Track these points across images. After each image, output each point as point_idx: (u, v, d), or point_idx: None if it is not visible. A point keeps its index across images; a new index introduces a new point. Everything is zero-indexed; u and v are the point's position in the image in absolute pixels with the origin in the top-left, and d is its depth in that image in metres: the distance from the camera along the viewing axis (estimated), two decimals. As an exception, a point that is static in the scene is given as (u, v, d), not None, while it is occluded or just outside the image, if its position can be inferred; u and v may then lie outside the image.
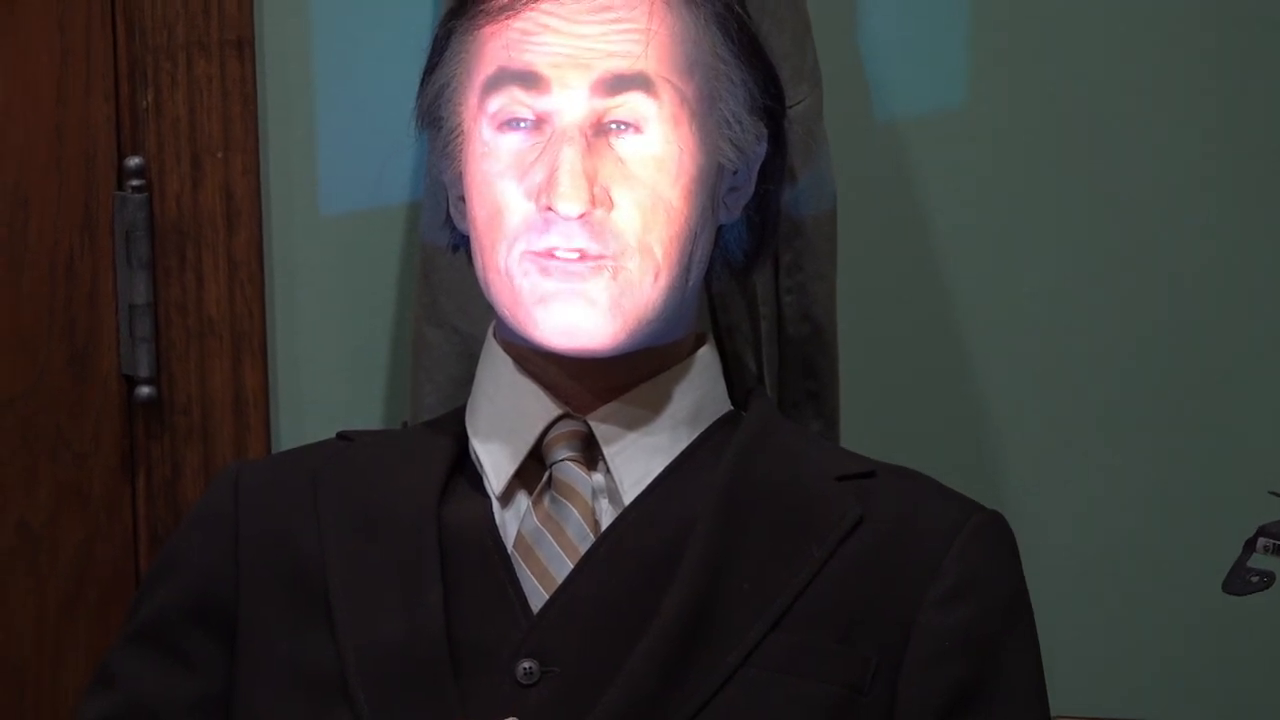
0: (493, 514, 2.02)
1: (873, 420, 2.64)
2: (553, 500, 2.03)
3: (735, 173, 2.07)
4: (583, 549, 1.98)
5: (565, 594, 1.96)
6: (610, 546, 1.98)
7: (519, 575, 1.97)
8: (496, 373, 2.11)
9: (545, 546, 2.00)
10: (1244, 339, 3.08)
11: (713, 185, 2.05)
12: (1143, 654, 2.85)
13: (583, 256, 1.96)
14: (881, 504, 2.03)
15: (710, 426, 2.09)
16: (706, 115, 2.03)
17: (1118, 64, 3.03)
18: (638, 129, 1.98)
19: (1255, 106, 3.09)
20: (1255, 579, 2.23)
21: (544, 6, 2.00)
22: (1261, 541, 2.23)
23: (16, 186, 2.33)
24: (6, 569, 2.38)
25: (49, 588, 2.31)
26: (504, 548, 1.99)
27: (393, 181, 2.47)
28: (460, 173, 2.06)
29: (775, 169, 2.14)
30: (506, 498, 2.04)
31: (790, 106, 2.21)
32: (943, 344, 2.87)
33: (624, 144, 1.99)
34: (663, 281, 2.00)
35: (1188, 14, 3.08)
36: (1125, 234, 3.01)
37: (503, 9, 2.01)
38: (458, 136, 2.06)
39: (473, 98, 2.03)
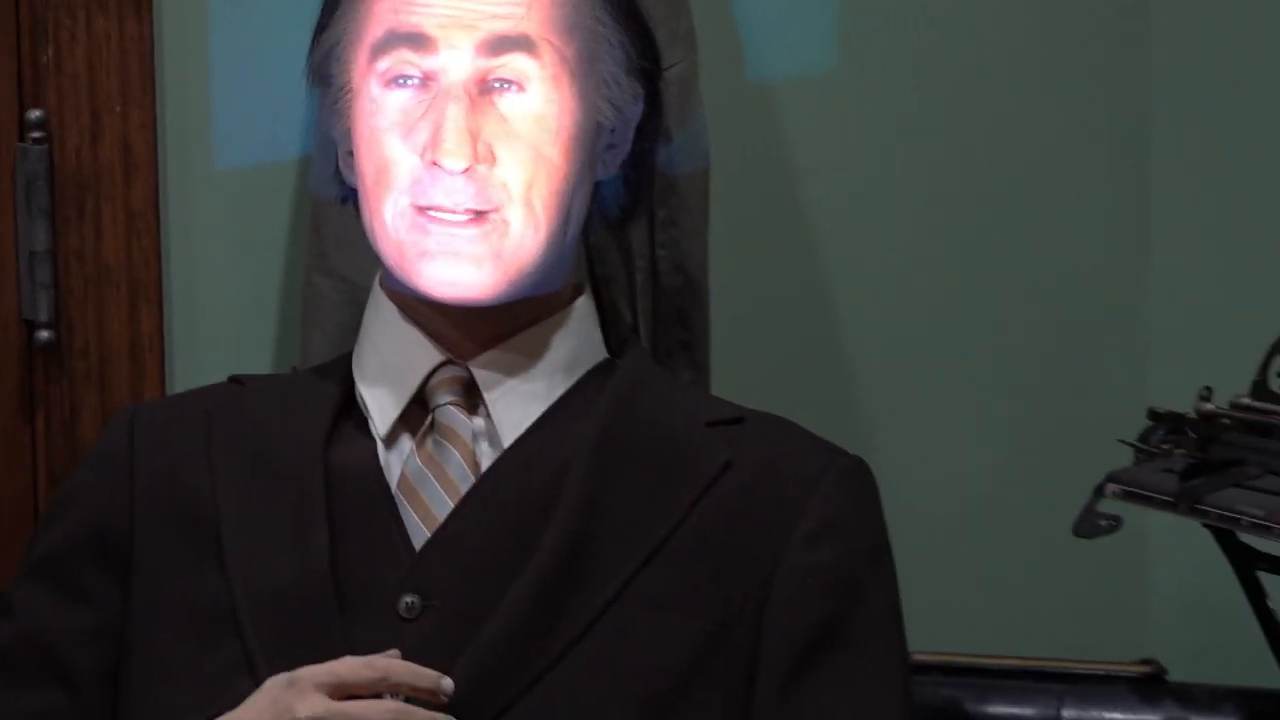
0: (378, 456, 2.06)
1: (742, 369, 2.68)
2: (435, 443, 2.07)
3: (613, 131, 2.11)
4: (464, 489, 2.02)
5: (446, 532, 2.00)
6: (490, 487, 2.03)
7: (403, 514, 2.02)
8: (382, 320, 2.14)
9: (428, 487, 2.04)
10: (1092, 301, 3.18)
11: (591, 142, 2.09)
12: (998, 595, 2.92)
13: (468, 215, 2.00)
14: (749, 449, 2.06)
15: (586, 374, 2.14)
16: (586, 75, 2.06)
17: (983, 29, 3.04)
18: (520, 87, 2.03)
19: (1103, 76, 3.14)
20: (1104, 522, 2.26)
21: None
22: (1110, 487, 2.27)
23: None
24: None
25: None
26: (388, 488, 2.03)
27: (284, 137, 2.49)
28: (349, 128, 2.09)
29: (651, 128, 2.18)
30: (391, 440, 2.08)
31: (666, 68, 2.24)
32: (812, 299, 2.92)
33: (506, 102, 2.03)
34: (542, 234, 2.04)
35: None
36: (989, 197, 3.10)
37: None
38: (347, 93, 2.09)
39: (361, 56, 2.06)
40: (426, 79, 2.03)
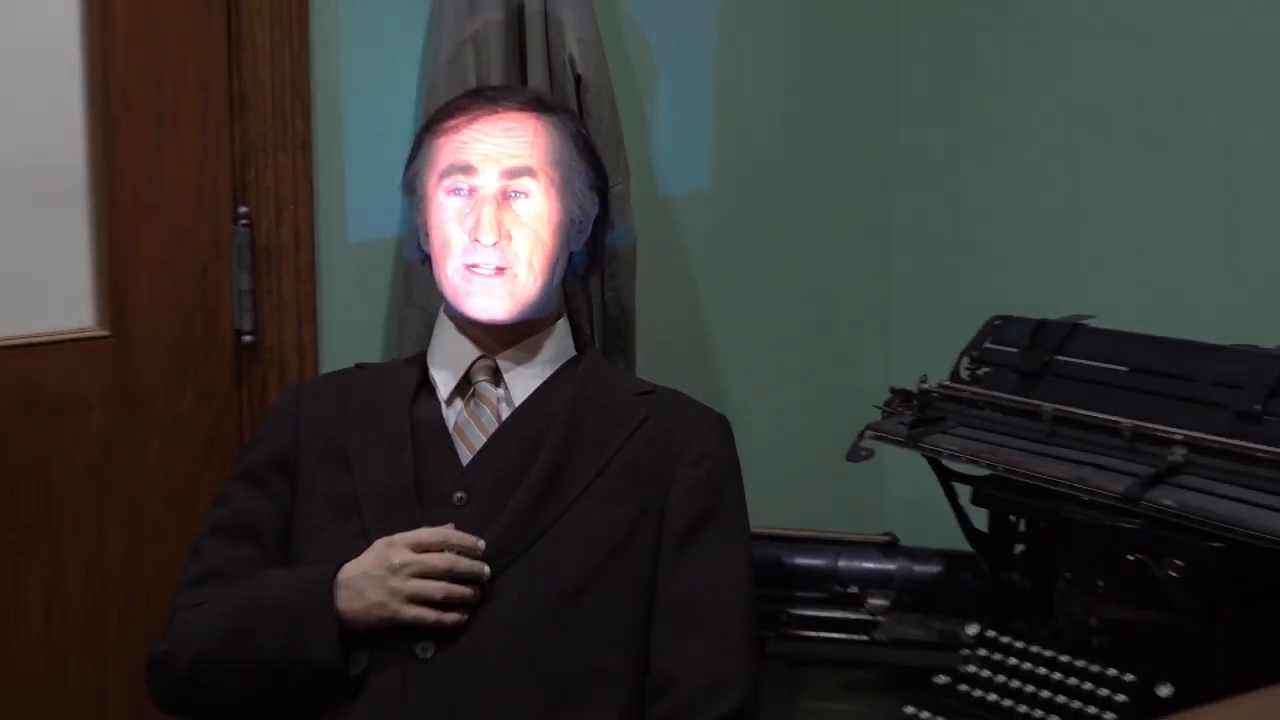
0: (441, 411, 2.11)
1: (653, 363, 2.61)
2: (475, 403, 2.13)
3: (580, 223, 2.17)
4: (491, 431, 2.09)
5: (480, 456, 2.05)
6: (506, 429, 2.09)
7: (455, 445, 2.07)
8: (445, 332, 2.17)
9: (470, 429, 2.09)
10: (860, 316, 3.12)
11: (568, 229, 2.14)
12: (802, 496, 2.89)
13: (495, 270, 2.04)
14: (658, 409, 2.14)
15: (564, 364, 2.18)
16: (565, 191, 2.11)
17: (778, 115, 2.99)
18: (526, 196, 2.08)
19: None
20: (864, 453, 2.31)
21: (474, 128, 2.07)
22: (868, 433, 2.30)
23: (179, 225, 2.31)
24: (175, 440, 2.36)
25: (194, 451, 2.37)
26: (447, 430, 2.10)
27: (388, 223, 2.48)
28: (425, 220, 2.13)
29: (603, 222, 2.25)
30: (449, 402, 2.13)
31: (612, 187, 2.31)
32: (696, 324, 2.88)
33: (518, 204, 2.07)
34: (539, 283, 2.09)
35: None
36: (785, 239, 3.03)
37: (451, 129, 2.08)
38: (424, 199, 2.13)
39: (433, 178, 2.10)
40: (471, 190, 2.07)
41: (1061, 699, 2.01)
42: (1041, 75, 2.83)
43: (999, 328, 2.36)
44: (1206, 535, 1.88)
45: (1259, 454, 1.91)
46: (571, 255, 2.19)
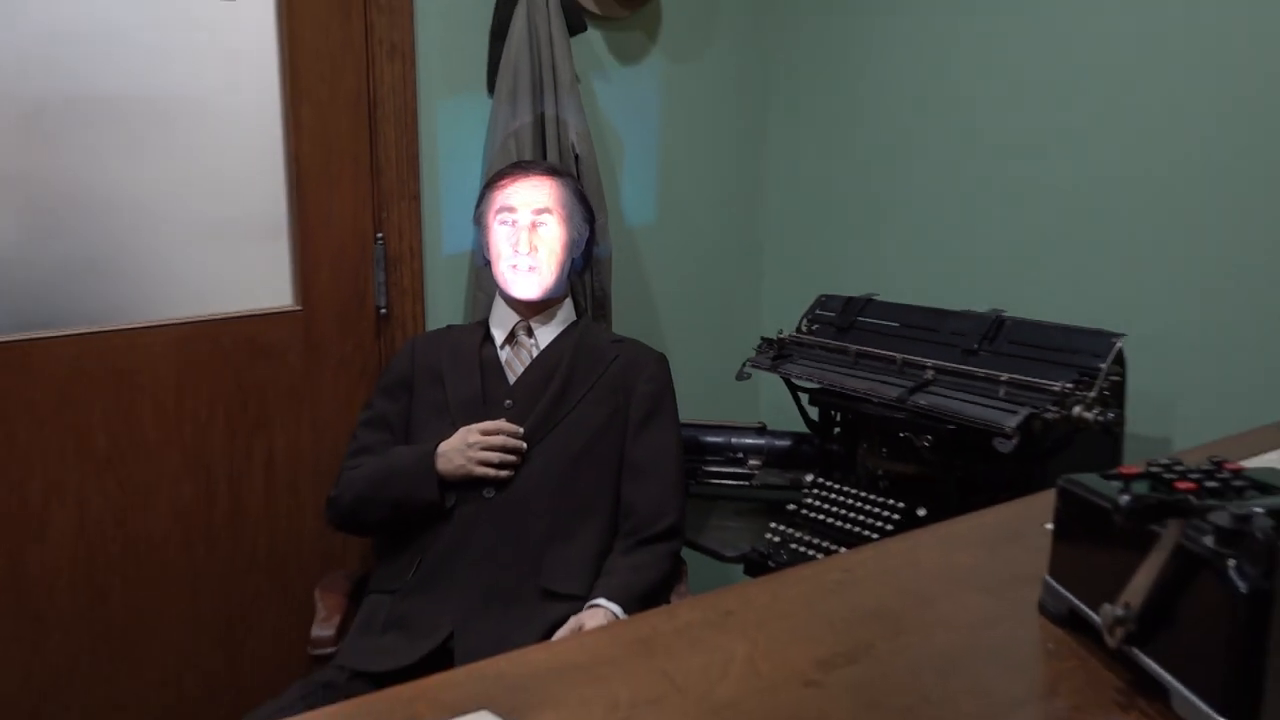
0: (496, 352, 2.09)
1: (622, 324, 2.59)
2: (516, 348, 2.10)
3: (579, 241, 2.14)
4: (526, 364, 2.08)
5: (520, 380, 2.06)
6: (535, 364, 2.08)
7: (505, 373, 2.06)
8: (499, 306, 2.14)
9: (514, 363, 2.09)
10: (758, 285, 3.00)
11: (572, 245, 2.11)
12: (711, 401, 2.78)
13: (529, 269, 2.03)
14: (625, 351, 2.13)
15: (569, 325, 2.15)
16: (569, 221, 2.10)
17: (694, 132, 2.88)
18: (546, 225, 2.08)
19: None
20: (746, 375, 2.30)
21: (515, 185, 2.07)
22: (747, 364, 2.31)
23: (342, 244, 2.29)
24: (340, 372, 2.33)
25: (351, 378, 2.33)
26: (500, 363, 2.09)
27: (464, 240, 2.42)
28: (486, 240, 2.12)
29: (591, 240, 2.21)
30: (501, 347, 2.11)
31: (596, 220, 2.27)
32: (646, 301, 2.80)
33: (541, 230, 2.08)
34: (554, 277, 2.08)
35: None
36: (688, 198, 2.91)
37: (501, 185, 2.08)
38: (485, 228, 2.11)
39: (491, 215, 2.09)
40: (514, 222, 2.06)
41: (862, 517, 2.10)
42: (870, 100, 2.65)
43: (824, 300, 2.41)
44: (944, 421, 1.95)
45: (975, 374, 1.99)
46: (573, 261, 2.15)
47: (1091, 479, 0.85)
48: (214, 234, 2.18)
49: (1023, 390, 1.88)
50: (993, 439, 1.83)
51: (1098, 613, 0.81)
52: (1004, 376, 1.92)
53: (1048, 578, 0.92)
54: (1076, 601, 0.87)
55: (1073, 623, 0.89)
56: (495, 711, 0.77)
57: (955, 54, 2.45)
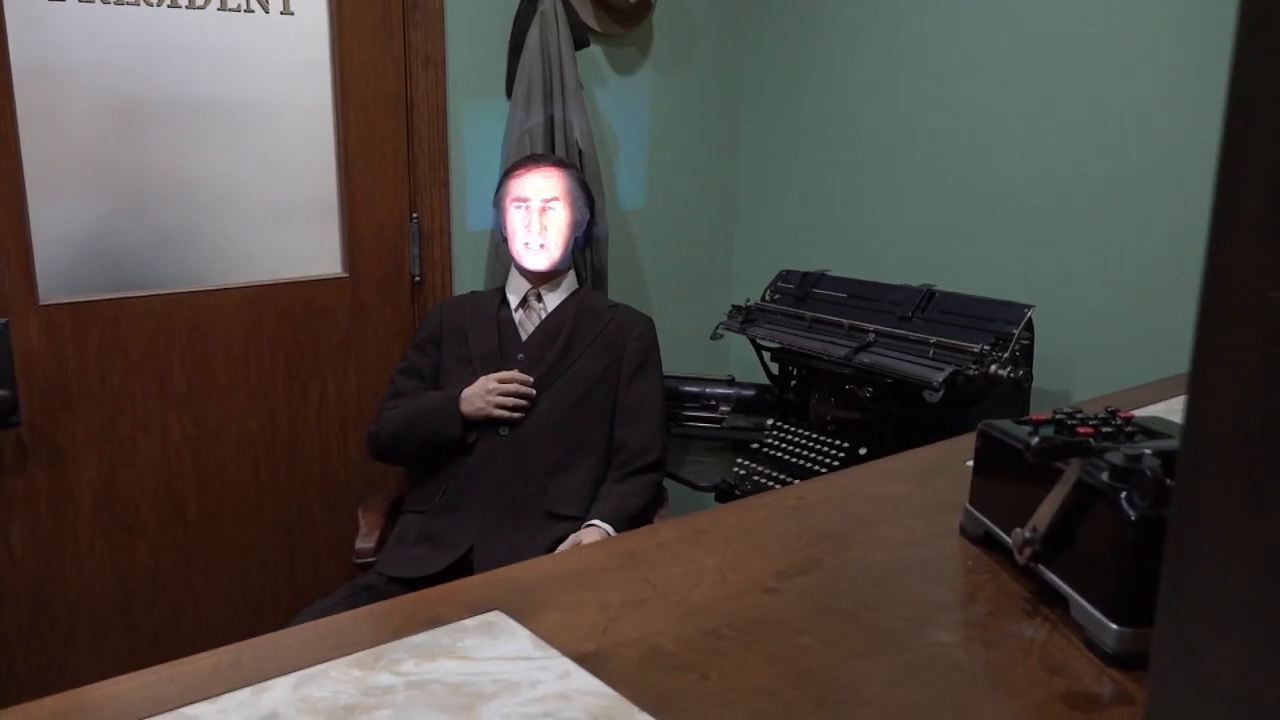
0: (512, 314, 2.05)
1: (617, 292, 2.51)
2: (528, 311, 2.06)
3: (581, 223, 2.09)
4: (536, 325, 2.03)
5: (531, 337, 2.01)
6: (544, 324, 2.03)
7: (519, 331, 2.02)
8: (514, 276, 2.09)
9: (526, 324, 2.05)
10: (729, 259, 2.91)
11: (575, 225, 2.06)
12: (690, 356, 2.74)
13: (539, 246, 2.00)
14: (619, 314, 2.07)
15: (572, 292, 2.10)
16: (573, 206, 2.05)
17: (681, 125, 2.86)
18: (554, 209, 2.01)
19: None
20: (719, 336, 2.29)
21: (528, 175, 2.03)
22: (720, 327, 2.26)
23: (383, 222, 2.26)
24: (381, 329, 2.30)
25: (390, 334, 2.30)
26: (515, 323, 2.03)
27: (485, 218, 2.35)
28: (504, 221, 2.07)
29: (592, 222, 2.16)
30: (515, 310, 2.06)
31: (596, 205, 2.21)
32: (637, 274, 2.71)
33: (550, 214, 2.02)
34: (560, 252, 2.03)
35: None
36: (671, 180, 2.90)
37: (517, 175, 2.04)
38: (503, 210, 2.07)
39: (508, 200, 2.05)
40: (526, 207, 2.02)
41: (813, 455, 2.10)
42: (826, 106, 2.60)
43: (785, 274, 2.40)
44: (883, 376, 1.95)
45: (909, 337, 1.98)
46: (577, 239, 2.11)
47: (1006, 424, 0.84)
48: (276, 213, 2.18)
49: (948, 351, 1.88)
50: (923, 391, 1.83)
51: (1009, 535, 0.81)
52: (933, 339, 1.91)
53: (968, 505, 0.91)
54: (992, 525, 0.86)
55: (988, 543, 0.89)
56: (506, 611, 0.78)
57: (896, 67, 2.44)
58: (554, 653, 0.71)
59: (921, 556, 0.89)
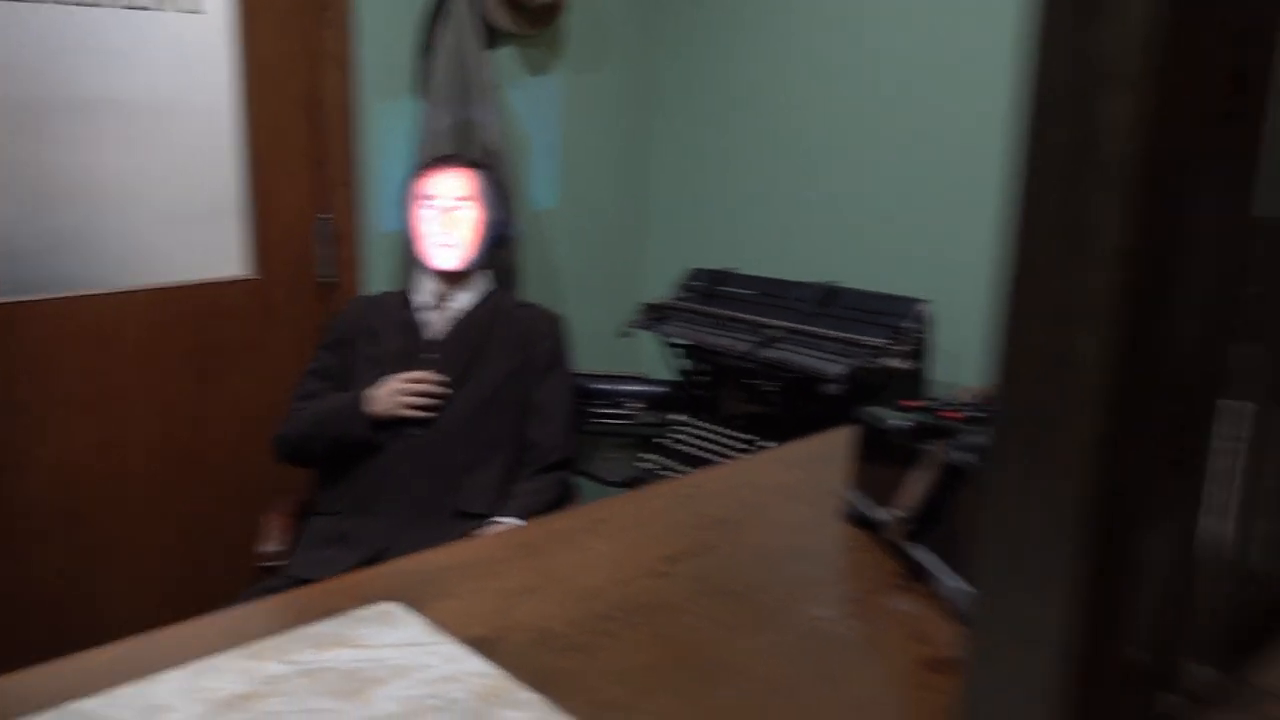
0: (423, 314, 2.03)
1: (530, 290, 2.47)
2: (439, 310, 2.05)
3: (495, 223, 2.07)
4: (445, 325, 2.01)
5: (445, 338, 1.99)
6: (456, 323, 2.02)
7: (430, 331, 2.00)
8: (426, 277, 2.06)
9: (438, 324, 2.02)
10: (642, 258, 2.97)
11: (487, 225, 2.05)
12: (601, 353, 2.71)
13: (448, 246, 1.98)
14: (531, 313, 2.08)
15: (484, 292, 2.08)
16: (484, 205, 2.03)
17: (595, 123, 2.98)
18: (464, 209, 2.00)
19: None
20: (627, 334, 2.29)
21: (438, 175, 2.02)
22: (632, 323, 2.31)
23: (291, 223, 2.24)
24: (289, 330, 2.28)
25: (298, 336, 2.27)
26: (426, 324, 2.01)
27: (396, 218, 2.32)
28: (413, 221, 2.05)
29: (504, 222, 2.14)
30: (427, 310, 2.03)
31: (510, 204, 2.22)
32: (550, 272, 2.71)
33: (462, 212, 2.01)
34: (473, 252, 2.02)
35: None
36: (589, 174, 2.95)
37: (427, 175, 2.03)
38: (411, 209, 2.05)
39: (417, 199, 2.03)
40: (435, 207, 2.01)
41: (719, 448, 2.14)
42: (732, 107, 2.63)
43: (694, 272, 2.44)
44: (787, 371, 2.00)
45: (812, 332, 2.03)
46: (490, 239, 2.10)
47: (880, 410, 0.89)
48: (181, 214, 2.16)
49: (848, 345, 1.94)
50: (823, 385, 1.88)
51: (883, 515, 0.86)
52: (834, 335, 1.97)
53: (848, 489, 0.96)
54: (868, 507, 0.91)
55: (866, 523, 0.93)
56: (402, 601, 0.80)
57: (795, 67, 2.50)
58: (447, 638, 0.73)
59: (807, 540, 0.94)
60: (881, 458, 0.88)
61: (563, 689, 0.67)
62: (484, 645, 0.73)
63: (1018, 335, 0.38)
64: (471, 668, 0.69)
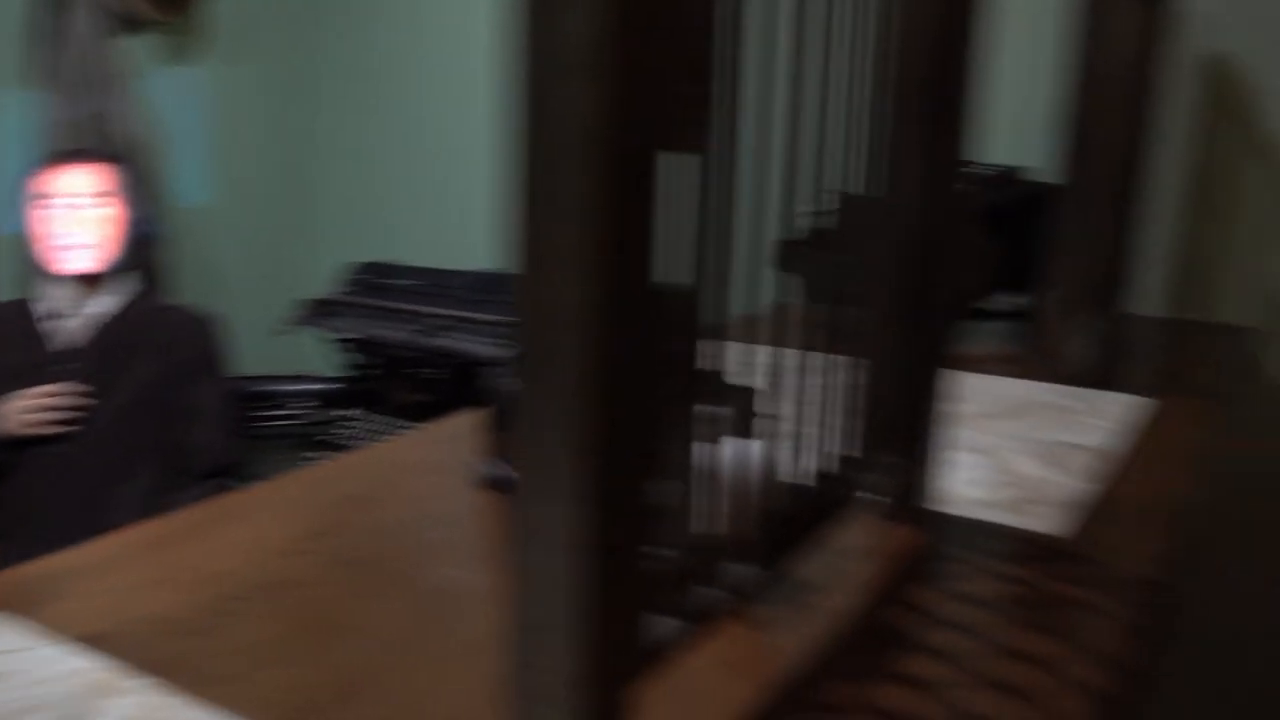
0: (49, 324, 1.90)
1: (187, 292, 2.41)
2: (67, 318, 1.92)
3: (138, 221, 1.97)
4: (81, 332, 1.90)
5: (75, 346, 1.89)
6: (92, 330, 1.91)
7: (57, 342, 1.89)
8: (50, 283, 1.90)
9: (69, 332, 1.91)
10: (313, 254, 2.93)
11: (121, 224, 1.93)
12: (271, 356, 2.57)
13: (70, 248, 1.88)
14: (179, 315, 2.01)
15: (123, 296, 1.94)
16: (117, 202, 1.94)
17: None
18: (90, 207, 1.90)
19: None
20: (282, 331, 2.27)
21: (59, 172, 1.91)
22: (287, 319, 2.29)
23: None
24: None
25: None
26: (52, 334, 1.89)
27: (14, 222, 2.20)
28: (32, 223, 1.92)
29: (144, 220, 2.02)
30: (53, 319, 1.90)
31: (153, 201, 2.14)
32: (202, 272, 2.57)
33: (85, 212, 1.89)
34: (103, 253, 1.92)
35: None
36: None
37: (46, 173, 1.92)
38: (31, 212, 1.92)
39: (36, 199, 1.91)
40: (55, 206, 1.89)
41: (390, 439, 2.14)
42: (383, 101, 2.69)
43: (359, 267, 2.46)
44: (454, 358, 2.06)
45: (478, 319, 2.11)
46: (130, 238, 1.96)
47: (501, 378, 0.95)
48: None
49: (511, 329, 2.01)
50: (494, 370, 1.95)
51: (498, 474, 0.93)
52: (495, 319, 2.05)
53: (477, 458, 1.02)
54: (491, 470, 0.98)
55: (492, 486, 1.00)
56: (14, 610, 0.77)
57: (431, 60, 2.59)
58: (53, 641, 0.72)
59: (440, 507, 0.99)
60: (491, 420, 0.95)
61: (179, 671, 0.68)
62: (98, 641, 0.72)
63: (528, 286, 0.46)
64: (76, 665, 0.68)
